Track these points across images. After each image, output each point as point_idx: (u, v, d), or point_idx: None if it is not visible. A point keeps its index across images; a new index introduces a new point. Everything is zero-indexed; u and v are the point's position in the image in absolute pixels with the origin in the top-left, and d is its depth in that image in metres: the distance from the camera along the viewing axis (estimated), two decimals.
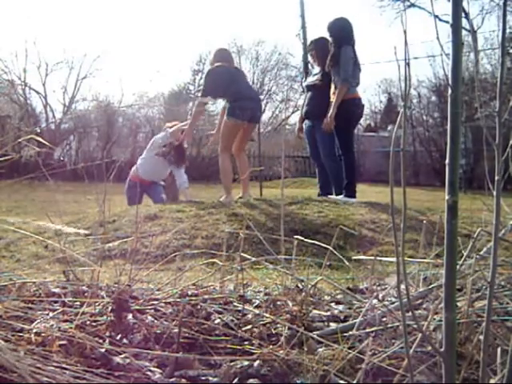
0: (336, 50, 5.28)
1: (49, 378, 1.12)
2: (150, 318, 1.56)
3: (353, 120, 5.60)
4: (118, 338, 1.44)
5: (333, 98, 5.32)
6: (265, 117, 24.16)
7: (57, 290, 1.77)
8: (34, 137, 1.81)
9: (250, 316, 1.64)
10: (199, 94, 5.70)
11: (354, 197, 5.28)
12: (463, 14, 0.99)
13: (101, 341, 1.38)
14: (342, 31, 5.35)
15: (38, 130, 16.06)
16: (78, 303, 1.65)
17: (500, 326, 1.47)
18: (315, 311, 1.70)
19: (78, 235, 1.66)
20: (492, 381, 1.10)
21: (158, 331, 1.48)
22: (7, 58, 18.90)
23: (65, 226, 1.56)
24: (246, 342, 1.45)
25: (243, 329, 1.53)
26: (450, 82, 0.96)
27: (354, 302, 1.77)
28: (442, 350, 0.95)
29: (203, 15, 43.74)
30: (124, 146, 18.46)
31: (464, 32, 0.97)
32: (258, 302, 1.78)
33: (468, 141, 15.08)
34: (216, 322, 1.57)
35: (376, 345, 1.38)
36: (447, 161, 0.95)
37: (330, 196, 5.35)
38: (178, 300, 1.68)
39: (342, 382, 1.24)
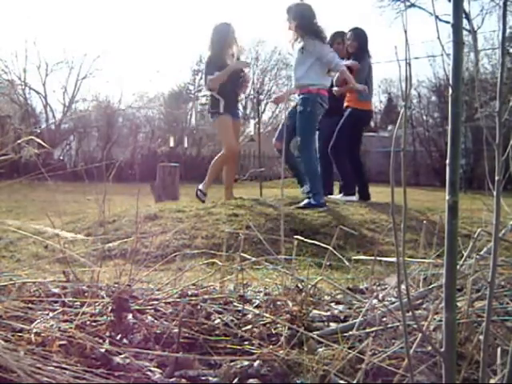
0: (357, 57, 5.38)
1: (49, 378, 1.11)
2: (150, 317, 1.56)
3: (359, 128, 5.63)
4: (118, 338, 1.44)
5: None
6: (265, 117, 24.19)
7: (57, 290, 1.77)
8: (33, 138, 1.81)
9: (250, 316, 1.64)
10: None
11: (353, 195, 5.31)
12: (463, 14, 0.99)
13: (101, 341, 1.38)
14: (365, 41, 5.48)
15: (38, 131, 16.06)
16: (78, 303, 1.65)
17: (500, 326, 1.47)
18: (315, 311, 1.70)
19: (75, 239, 1.67)
20: (492, 381, 1.10)
21: (158, 331, 1.48)
22: (7, 58, 18.93)
23: (63, 231, 1.56)
24: (246, 342, 1.45)
25: (243, 329, 1.53)
26: (450, 81, 0.96)
27: (354, 302, 1.77)
28: (442, 350, 0.95)
29: (203, 15, 43.69)
30: (124, 146, 18.47)
31: (464, 32, 0.97)
32: (258, 301, 1.78)
33: (468, 141, 15.07)
34: (216, 322, 1.57)
35: (376, 345, 1.38)
36: (448, 161, 0.95)
37: (330, 196, 5.35)
38: (178, 300, 1.68)
39: (341, 382, 1.24)
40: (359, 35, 5.49)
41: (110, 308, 1.53)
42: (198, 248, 3.40)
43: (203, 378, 1.27)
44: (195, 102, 24.07)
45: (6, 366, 1.13)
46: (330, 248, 1.86)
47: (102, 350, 1.32)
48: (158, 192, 6.97)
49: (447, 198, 0.94)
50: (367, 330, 1.46)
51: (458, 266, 1.46)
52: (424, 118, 18.74)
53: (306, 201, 4.72)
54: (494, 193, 0.99)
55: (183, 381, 1.25)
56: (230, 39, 5.25)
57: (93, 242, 2.86)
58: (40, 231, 3.49)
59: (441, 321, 1.27)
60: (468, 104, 14.58)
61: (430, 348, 1.31)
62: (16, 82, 18.15)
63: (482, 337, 1.07)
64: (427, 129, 18.06)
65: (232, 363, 1.31)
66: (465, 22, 1.01)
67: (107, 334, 1.45)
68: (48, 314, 1.52)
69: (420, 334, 1.22)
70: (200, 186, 5.25)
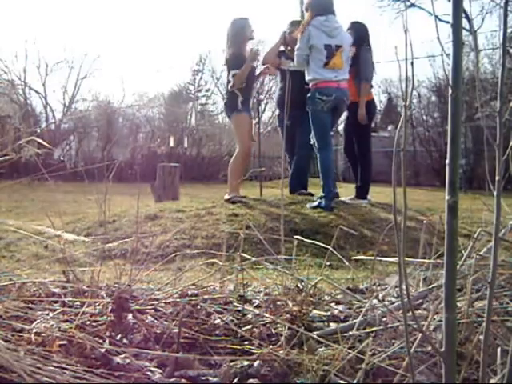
0: (356, 49, 5.21)
1: (49, 378, 1.11)
2: (150, 317, 1.56)
3: (369, 120, 5.53)
4: (118, 338, 1.44)
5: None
6: (265, 117, 24.18)
7: (57, 290, 1.77)
8: (34, 138, 1.81)
9: (250, 316, 1.64)
10: None
11: (366, 198, 5.22)
12: (463, 14, 0.99)
13: (101, 341, 1.38)
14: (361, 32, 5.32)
15: (39, 130, 16.06)
16: (78, 303, 1.65)
17: (500, 325, 1.46)
18: (315, 311, 1.70)
19: (76, 240, 1.67)
20: (492, 381, 1.10)
21: (158, 331, 1.48)
22: (7, 58, 18.94)
23: (64, 232, 1.56)
24: (246, 342, 1.45)
25: (243, 329, 1.53)
26: (450, 81, 0.95)
27: (354, 302, 1.77)
28: (442, 350, 0.95)
29: (203, 15, 43.72)
30: (124, 146, 18.45)
31: (464, 32, 0.97)
32: (257, 301, 1.78)
33: (468, 141, 15.05)
34: (216, 322, 1.57)
35: (376, 345, 1.38)
36: (447, 161, 0.95)
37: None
38: (178, 300, 1.68)
39: (341, 382, 1.24)
40: (359, 28, 5.34)
41: (110, 308, 1.53)
42: (198, 248, 3.40)
43: (203, 377, 1.27)
44: (195, 102, 24.08)
45: (6, 366, 1.13)
46: (330, 248, 1.86)
47: (102, 350, 1.32)
48: (158, 192, 6.97)
49: (447, 198, 0.94)
50: (367, 330, 1.47)
51: (458, 266, 1.46)
52: (424, 117, 18.70)
53: (317, 202, 4.67)
54: (494, 193, 0.99)
55: (183, 381, 1.25)
56: (248, 34, 5.17)
57: (93, 241, 2.86)
58: (40, 231, 3.49)
59: (441, 321, 1.27)
60: (468, 104, 14.57)
61: (430, 348, 1.31)
62: (16, 82, 18.16)
63: (482, 337, 1.07)
64: (427, 129, 18.04)
65: (232, 363, 1.31)
66: (465, 21, 1.01)
67: (107, 334, 1.45)
68: (48, 314, 1.52)
69: (420, 334, 1.22)
70: (227, 196, 4.94)
